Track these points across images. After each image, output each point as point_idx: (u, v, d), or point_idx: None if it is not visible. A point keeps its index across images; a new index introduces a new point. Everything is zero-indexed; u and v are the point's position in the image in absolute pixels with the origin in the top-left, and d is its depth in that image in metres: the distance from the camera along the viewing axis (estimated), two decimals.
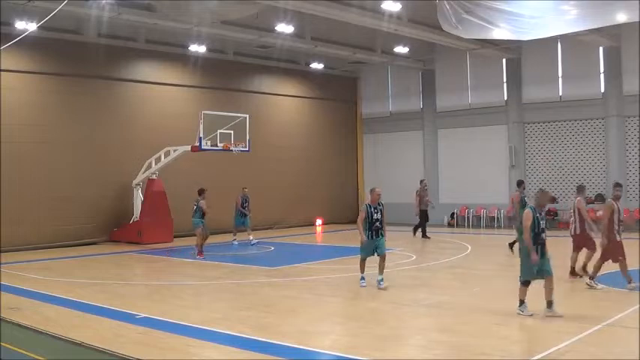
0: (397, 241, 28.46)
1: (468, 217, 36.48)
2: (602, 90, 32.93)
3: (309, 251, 27.45)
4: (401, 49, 34.47)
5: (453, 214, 37.02)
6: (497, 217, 35.50)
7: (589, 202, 32.51)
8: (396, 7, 25.49)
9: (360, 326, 12.48)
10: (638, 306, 13.12)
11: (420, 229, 30.23)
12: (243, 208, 27.93)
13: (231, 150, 27.75)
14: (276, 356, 10.19)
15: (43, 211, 27.21)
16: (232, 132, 27.76)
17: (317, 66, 37.59)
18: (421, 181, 31.11)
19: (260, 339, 11.29)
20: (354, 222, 38.81)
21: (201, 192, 24.13)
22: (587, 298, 15.08)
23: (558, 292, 15.67)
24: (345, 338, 11.77)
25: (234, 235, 28.34)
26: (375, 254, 16.72)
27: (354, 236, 33.20)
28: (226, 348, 10.79)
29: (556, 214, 33.76)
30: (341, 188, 40.59)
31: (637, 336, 11.20)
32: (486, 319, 12.86)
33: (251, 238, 27.83)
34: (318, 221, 38.37)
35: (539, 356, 9.81)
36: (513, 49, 34.13)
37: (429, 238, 29.49)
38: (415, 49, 35.12)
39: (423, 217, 30.32)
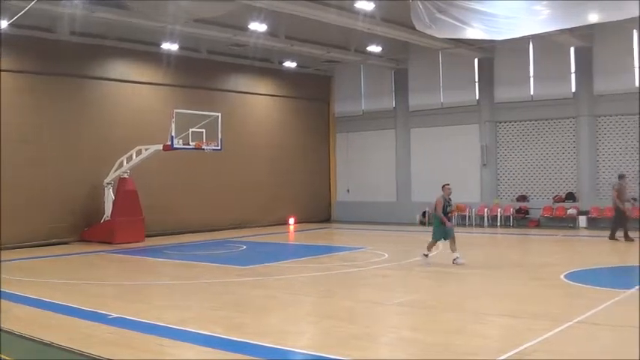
0: (369, 240, 28.56)
1: None
2: (573, 90, 33.18)
3: (282, 250, 27.43)
4: (374, 48, 34.53)
5: (424, 212, 37.03)
6: (469, 216, 35.65)
7: (559, 200, 32.93)
8: (369, 7, 25.55)
9: (333, 325, 12.48)
10: (610, 303, 13.25)
11: (619, 230, 25.89)
12: (447, 214, 20.68)
13: (204, 149, 27.71)
14: (251, 356, 10.16)
15: (13, 211, 26.89)
16: (204, 131, 27.71)
17: (290, 65, 37.57)
18: (621, 176, 27.04)
19: (234, 339, 11.26)
20: (327, 221, 39.04)
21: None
22: (560, 295, 15.19)
23: (530, 290, 15.83)
24: (319, 337, 11.78)
25: (430, 249, 20.90)
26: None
27: (327, 235, 33.39)
28: (200, 348, 10.76)
29: (527, 212, 33.96)
30: (314, 187, 40.60)
31: (608, 333, 11.32)
32: (459, 317, 12.91)
33: (456, 254, 20.16)
34: (291, 220, 38.37)
35: (511, 353, 9.87)
36: (486, 49, 34.28)
37: (632, 240, 25.19)
38: (388, 48, 35.17)
39: (622, 216, 26.07)
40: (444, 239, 20.34)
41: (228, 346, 10.77)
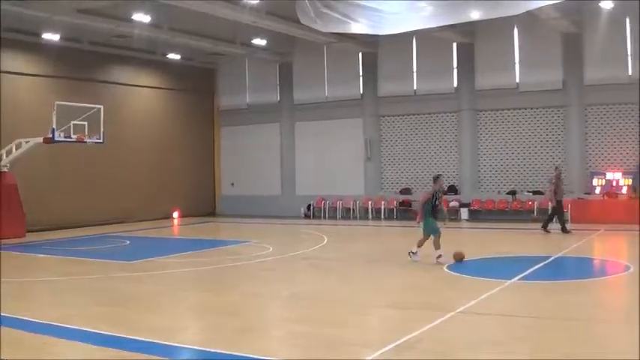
0: (253, 233, 28.57)
1: (324, 209, 36.84)
2: (455, 84, 33.96)
3: (166, 245, 27.15)
4: (259, 42, 34.51)
5: (309, 205, 37.28)
6: (353, 209, 36.00)
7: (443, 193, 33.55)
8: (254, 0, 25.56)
9: (219, 320, 12.47)
10: (491, 293, 13.63)
11: (552, 222, 25.98)
12: (435, 207, 18.77)
13: (85, 142, 27.25)
14: (135, 352, 10.04)
15: None
16: (86, 123, 27.21)
17: (174, 57, 37.12)
18: (556, 168, 27.08)
19: (118, 335, 11.06)
20: (212, 214, 38.72)
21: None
22: (443, 286, 15.54)
23: (414, 282, 16.11)
24: (204, 332, 11.74)
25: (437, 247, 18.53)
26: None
27: (211, 229, 33.21)
28: (84, 345, 10.55)
29: (410, 204, 34.51)
30: (198, 181, 40.37)
31: (490, 322, 11.65)
32: (345, 309, 13.06)
33: (439, 252, 18.37)
34: (175, 214, 38.04)
35: (396, 343, 10.05)
36: (371, 44, 34.63)
37: (569, 232, 25.42)
38: (273, 41, 35.18)
39: (560, 207, 26.24)
40: (433, 235, 18.42)
41: (113, 343, 10.58)
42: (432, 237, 18.45)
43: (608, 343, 10.31)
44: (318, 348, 10.26)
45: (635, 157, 30.17)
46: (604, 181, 30.59)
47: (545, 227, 25.95)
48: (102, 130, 27.62)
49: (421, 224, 18.73)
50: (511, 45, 32.52)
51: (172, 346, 10.52)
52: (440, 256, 18.15)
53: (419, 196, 19.80)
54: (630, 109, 30.23)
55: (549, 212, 26.58)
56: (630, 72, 30.10)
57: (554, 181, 26.14)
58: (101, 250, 24.34)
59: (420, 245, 18.77)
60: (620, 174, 30.35)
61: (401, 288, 15.39)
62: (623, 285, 15.96)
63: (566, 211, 27.11)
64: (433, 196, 18.63)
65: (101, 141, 27.88)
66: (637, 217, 27.32)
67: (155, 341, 10.63)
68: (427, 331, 10.80)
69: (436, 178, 19.16)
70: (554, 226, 25.91)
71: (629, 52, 30.17)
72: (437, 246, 18.28)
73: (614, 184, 30.33)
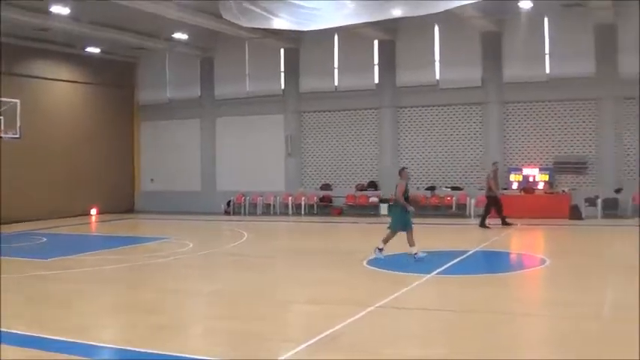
0: (173, 230, 28.36)
1: (245, 205, 36.72)
2: (377, 81, 34.21)
3: (84, 242, 26.76)
4: (180, 36, 34.18)
5: (229, 201, 37.09)
6: (273, 205, 35.98)
7: (362, 188, 33.80)
8: None
9: (138, 317, 12.31)
10: (409, 287, 13.75)
11: (489, 219, 26.45)
12: (406, 199, 18.39)
13: (1, 137, 26.68)
14: (55, 352, 9.87)
15: None
16: (2, 118, 26.63)
17: (94, 50, 36.49)
18: (494, 164, 27.67)
19: (37, 335, 10.83)
20: (131, 211, 38.26)
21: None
22: (362, 281, 15.62)
23: (334, 277, 16.15)
24: (123, 330, 11.59)
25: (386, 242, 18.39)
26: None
27: (130, 225, 32.83)
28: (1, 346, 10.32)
29: (331, 200, 34.68)
30: (117, 177, 39.70)
31: (407, 316, 11.76)
32: (265, 305, 13.06)
33: (415, 249, 18.00)
34: (93, 211, 37.47)
35: (316, 339, 10.08)
36: (292, 40, 34.61)
37: (488, 227, 25.89)
38: (195, 36, 34.86)
39: (497, 203, 26.49)
40: (403, 231, 17.99)
41: (32, 343, 10.36)
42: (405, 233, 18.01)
43: (528, 336, 10.53)
44: (237, 345, 10.24)
45: (550, 153, 30.86)
46: (521, 176, 31.21)
47: (504, 222, 26.46)
48: (18, 124, 27.07)
49: (411, 212, 18.24)
50: (432, 42, 32.88)
51: (93, 345, 10.34)
52: (416, 253, 17.78)
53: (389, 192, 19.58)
54: (547, 106, 30.95)
55: (498, 207, 26.73)
56: (548, 70, 30.77)
57: (492, 176, 26.64)
58: (16, 247, 23.72)
59: (386, 241, 18.21)
60: (537, 170, 31.02)
61: (320, 284, 15.41)
62: (539, 278, 16.33)
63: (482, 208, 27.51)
64: (405, 187, 18.24)
65: (17, 136, 27.32)
66: (552, 213, 28.22)
67: (75, 341, 10.44)
68: (346, 326, 10.86)
69: (402, 170, 18.83)
70: (496, 221, 26.52)
71: (546, 51, 30.82)
72: (411, 242, 17.89)
73: (531, 179, 30.97)
